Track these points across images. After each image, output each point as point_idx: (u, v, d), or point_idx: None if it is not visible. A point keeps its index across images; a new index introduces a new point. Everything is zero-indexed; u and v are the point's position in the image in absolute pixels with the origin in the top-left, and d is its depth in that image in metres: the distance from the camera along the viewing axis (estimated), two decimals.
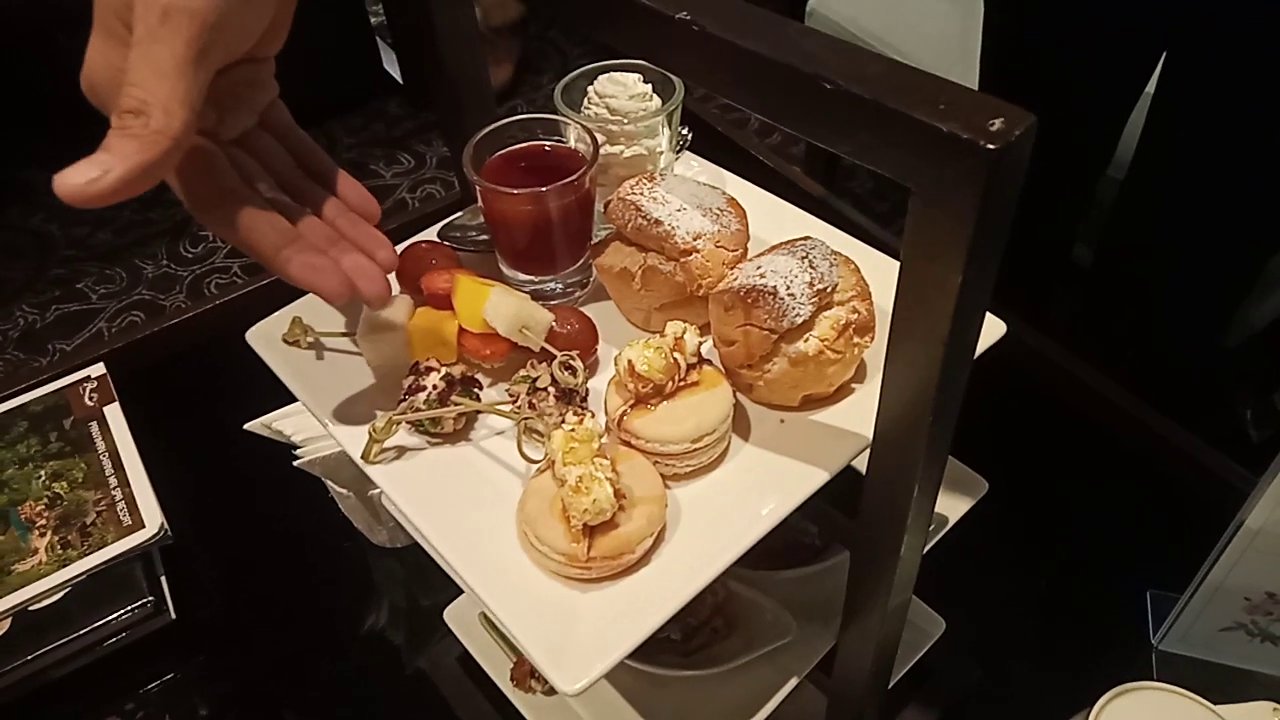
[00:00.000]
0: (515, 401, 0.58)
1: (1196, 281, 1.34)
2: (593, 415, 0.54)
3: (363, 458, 0.57)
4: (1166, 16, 1.18)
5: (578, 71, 0.67)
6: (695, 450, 0.55)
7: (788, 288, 0.56)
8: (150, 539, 1.08)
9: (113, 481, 1.14)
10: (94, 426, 1.21)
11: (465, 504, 0.56)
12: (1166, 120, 1.29)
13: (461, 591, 0.99)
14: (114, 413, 1.22)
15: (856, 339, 0.58)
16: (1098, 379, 1.19)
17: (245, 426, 1.03)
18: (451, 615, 0.97)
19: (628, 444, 0.56)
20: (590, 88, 0.66)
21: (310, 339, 0.65)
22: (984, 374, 0.57)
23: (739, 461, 0.58)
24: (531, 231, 0.63)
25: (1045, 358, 1.22)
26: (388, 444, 0.58)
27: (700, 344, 0.57)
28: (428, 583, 1.05)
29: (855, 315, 0.58)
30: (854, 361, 0.59)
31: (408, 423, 0.59)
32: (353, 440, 0.58)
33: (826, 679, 0.72)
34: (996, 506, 1.10)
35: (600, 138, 0.65)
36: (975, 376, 0.70)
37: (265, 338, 0.65)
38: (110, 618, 1.06)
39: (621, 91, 0.64)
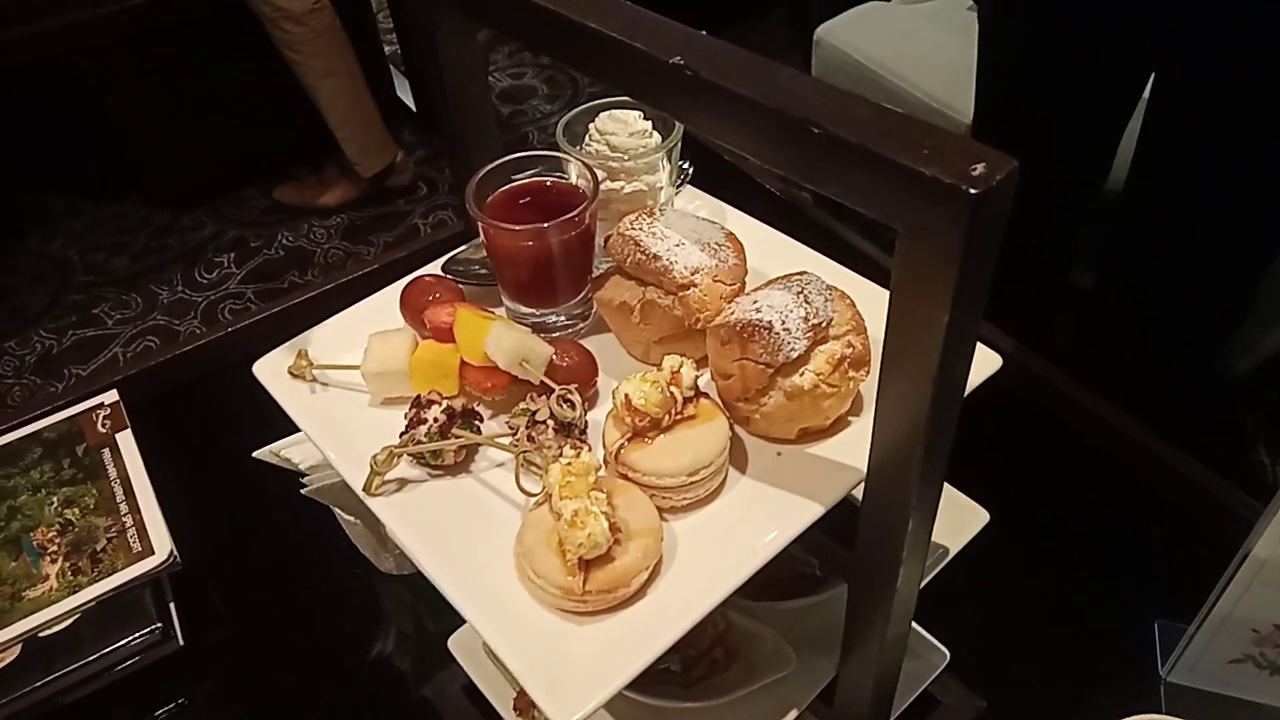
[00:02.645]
0: (514, 434, 0.59)
1: (1192, 301, 1.34)
2: (590, 449, 0.55)
3: (364, 490, 0.58)
4: (1155, 37, 1.19)
5: (579, 109, 0.69)
6: (692, 483, 0.56)
7: (783, 323, 0.57)
8: (159, 566, 1.09)
9: (124, 508, 1.16)
10: (106, 453, 1.23)
11: (465, 536, 0.57)
12: (1157, 139, 1.30)
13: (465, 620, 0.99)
14: (126, 440, 1.23)
15: (852, 373, 0.59)
16: (1102, 405, 1.18)
17: (254, 455, 1.04)
18: (455, 643, 0.97)
19: (625, 477, 0.57)
20: (591, 125, 0.67)
21: (315, 372, 0.66)
22: (986, 401, 0.58)
23: (736, 494, 0.59)
24: (533, 266, 0.64)
25: (1048, 384, 1.22)
26: (389, 476, 0.59)
27: (697, 377, 0.58)
28: (433, 610, 1.06)
29: (850, 350, 0.58)
30: (849, 395, 0.59)
31: (409, 455, 0.60)
32: (355, 472, 0.59)
33: (827, 709, 0.72)
34: (1000, 536, 1.09)
35: (601, 174, 0.66)
36: (977, 404, 0.71)
37: (271, 371, 0.66)
38: (119, 644, 1.06)
39: (621, 129, 0.66)
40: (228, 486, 1.28)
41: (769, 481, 0.59)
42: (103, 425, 1.26)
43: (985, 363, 0.63)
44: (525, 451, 0.57)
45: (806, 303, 0.58)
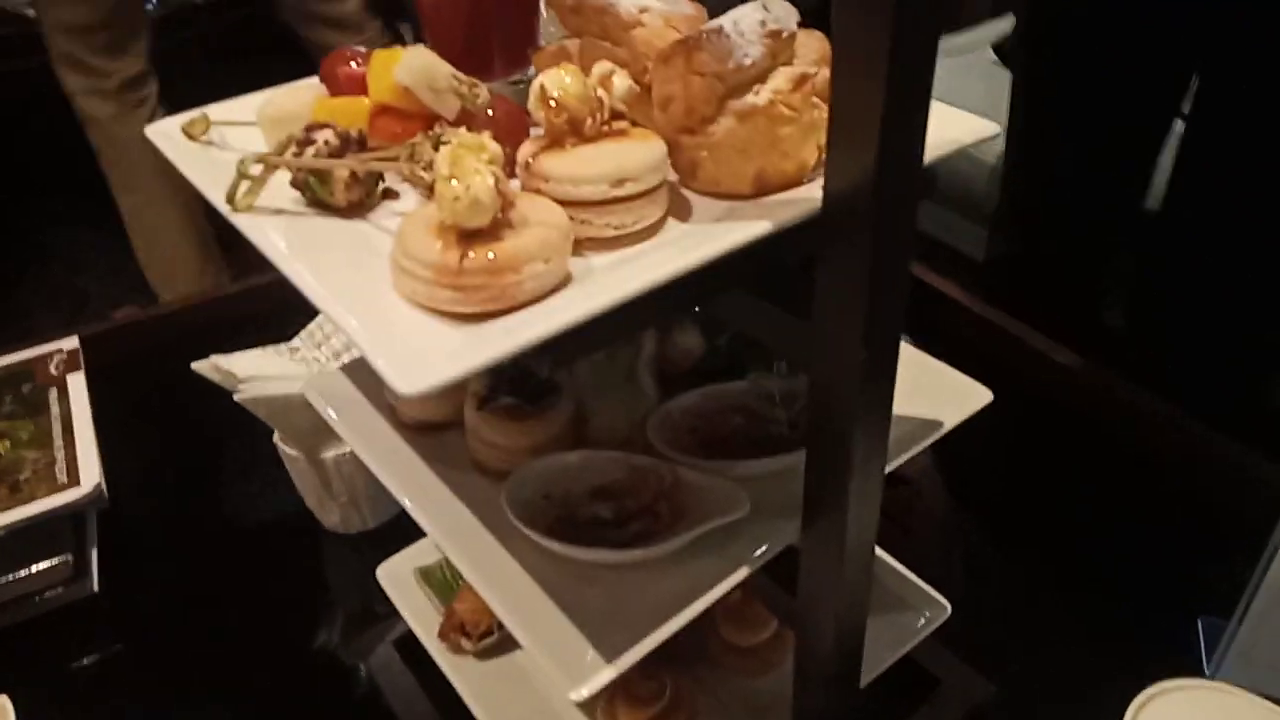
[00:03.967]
0: (417, 161, 0.50)
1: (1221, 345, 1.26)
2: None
3: (228, 199, 0.49)
4: (1196, 43, 1.15)
5: None
6: (616, 200, 0.46)
7: (735, 24, 0.48)
8: (81, 499, 0.99)
9: (58, 444, 1.07)
10: (53, 392, 1.15)
11: (343, 260, 0.47)
12: (1198, 152, 1.24)
13: (395, 550, 0.87)
14: (76, 381, 1.16)
15: (817, 101, 0.49)
16: (1133, 392, 1.08)
17: (193, 366, 0.96)
18: (385, 574, 0.85)
19: (537, 192, 0.47)
20: None
21: (213, 134, 0.58)
22: (1016, 395, 0.51)
23: (672, 235, 0.49)
24: (466, 18, 0.56)
25: (1081, 378, 1.12)
26: (265, 204, 0.50)
27: (631, 89, 0.49)
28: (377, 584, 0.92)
29: (816, 73, 0.49)
30: (813, 129, 0.49)
31: (293, 183, 0.51)
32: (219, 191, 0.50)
33: (791, 600, 0.58)
34: (1034, 534, 0.97)
35: None
36: (1007, 398, 0.63)
37: (164, 132, 0.58)
38: (24, 572, 0.96)
39: None
40: (179, 440, 1.21)
41: (715, 222, 0.49)
42: (56, 368, 1.19)
43: (974, 398, 0.54)
44: (415, 165, 0.47)
45: (765, 10, 0.49)
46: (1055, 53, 1.30)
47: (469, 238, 0.41)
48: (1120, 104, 1.23)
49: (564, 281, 0.44)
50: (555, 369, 0.62)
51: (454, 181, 0.40)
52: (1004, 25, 1.87)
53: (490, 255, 0.41)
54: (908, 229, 0.44)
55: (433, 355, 0.38)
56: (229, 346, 0.99)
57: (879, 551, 0.80)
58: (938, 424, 0.64)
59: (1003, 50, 1.84)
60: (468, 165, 0.41)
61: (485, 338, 0.40)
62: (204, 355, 0.98)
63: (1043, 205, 1.43)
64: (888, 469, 0.53)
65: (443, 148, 0.43)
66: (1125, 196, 1.38)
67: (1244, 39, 1.09)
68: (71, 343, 1.22)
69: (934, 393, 0.68)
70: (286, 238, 0.49)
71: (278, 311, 1.05)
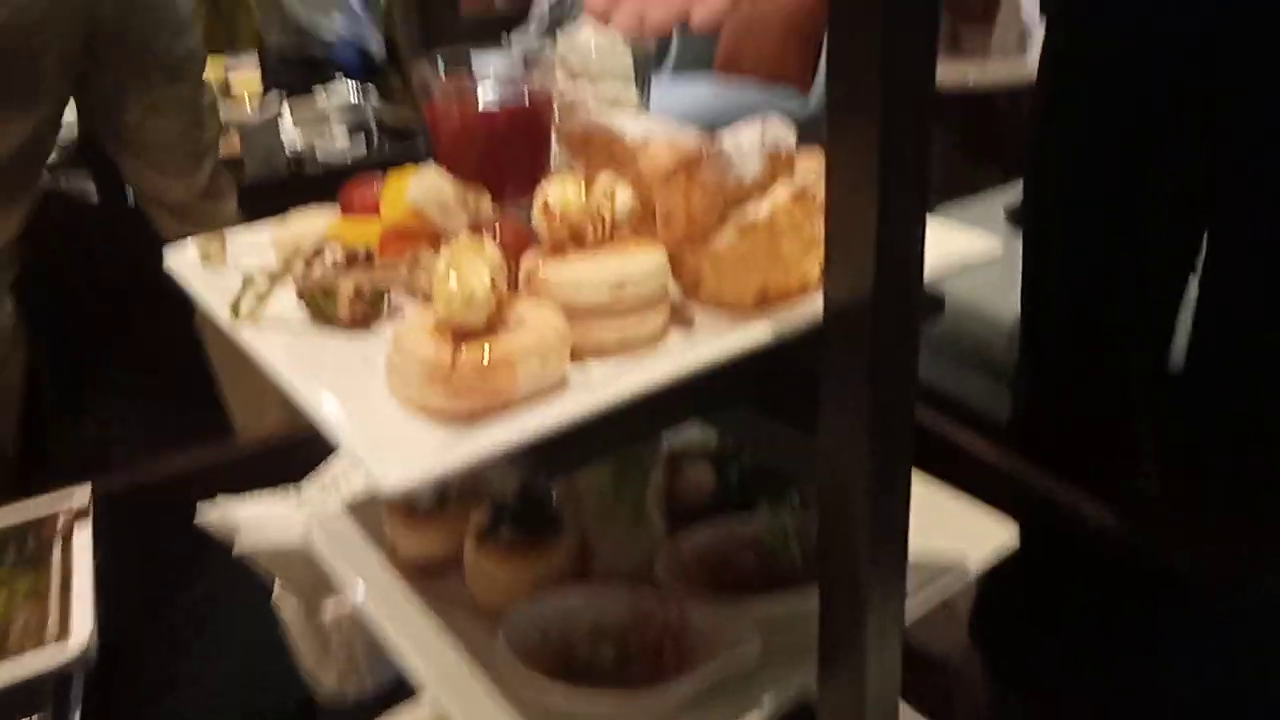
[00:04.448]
0: (419, 270, 0.50)
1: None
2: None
3: (232, 310, 0.49)
4: (1205, 204, 1.16)
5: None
6: (616, 307, 0.46)
7: (735, 143, 0.49)
8: (65, 661, 0.95)
9: (54, 599, 1.04)
10: (57, 545, 1.13)
11: (339, 370, 0.47)
12: (1214, 310, 1.24)
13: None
14: (83, 534, 1.14)
15: (819, 215, 0.49)
16: (1167, 554, 1.03)
17: (198, 516, 0.94)
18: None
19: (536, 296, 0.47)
20: (559, 31, 0.65)
21: (229, 257, 0.59)
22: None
23: (674, 346, 0.48)
24: (480, 145, 0.58)
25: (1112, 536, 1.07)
26: (272, 320, 0.50)
27: (635, 209, 0.49)
28: None
29: (816, 189, 0.50)
30: (815, 244, 0.49)
31: (299, 295, 0.51)
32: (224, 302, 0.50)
33: None
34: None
35: (563, 75, 0.63)
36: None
37: (182, 259, 0.59)
38: None
39: (589, 32, 0.63)
40: (178, 597, 1.17)
41: (718, 336, 0.48)
42: (64, 520, 1.18)
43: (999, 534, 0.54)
44: (414, 276, 0.47)
45: (764, 129, 0.50)
46: (1062, 215, 1.32)
47: (464, 336, 0.41)
48: (1131, 264, 1.24)
49: (560, 385, 0.43)
50: (557, 495, 0.60)
51: (452, 277, 0.40)
52: (1015, 191, 1.92)
53: (484, 352, 0.40)
54: (910, 342, 0.43)
55: (417, 450, 0.37)
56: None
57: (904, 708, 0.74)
58: (963, 566, 0.60)
59: (1014, 215, 1.89)
60: (466, 262, 0.41)
61: (473, 436, 0.39)
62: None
63: (1062, 366, 1.41)
64: (913, 615, 0.49)
65: (442, 250, 0.43)
66: (1145, 356, 1.37)
67: (1252, 197, 1.10)
68: (84, 496, 1.21)
69: (957, 532, 0.64)
70: (286, 349, 0.48)
71: (295, 460, 1.04)
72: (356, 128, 2.27)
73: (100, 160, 2.20)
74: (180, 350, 2.03)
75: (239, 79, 2.41)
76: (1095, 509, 1.10)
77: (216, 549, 0.93)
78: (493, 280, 0.40)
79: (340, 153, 2.18)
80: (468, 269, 0.40)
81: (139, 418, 2.57)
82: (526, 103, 0.58)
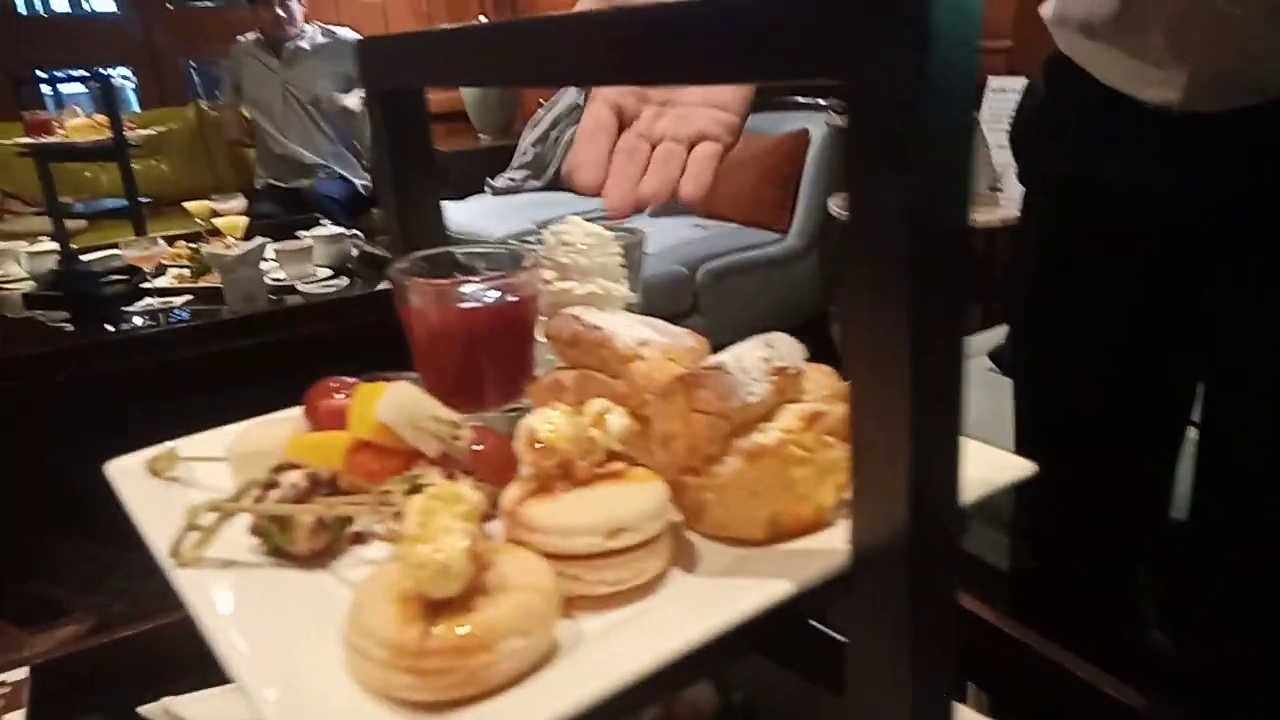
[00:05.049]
0: (388, 509, 0.45)
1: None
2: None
3: (171, 554, 0.43)
4: (1198, 350, 1.15)
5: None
6: (610, 554, 0.40)
7: (738, 361, 0.45)
8: None
9: None
10: None
11: (291, 626, 0.41)
12: (1215, 462, 1.20)
13: None
14: None
15: (831, 440, 0.45)
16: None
17: (140, 710, 0.85)
18: None
19: (520, 542, 0.41)
20: (546, 229, 0.62)
21: (181, 470, 0.54)
22: None
23: (676, 592, 0.42)
24: (461, 351, 0.54)
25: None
26: (217, 553, 0.44)
27: (629, 427, 0.45)
28: None
29: (828, 410, 0.45)
30: (830, 471, 0.45)
31: (252, 529, 0.45)
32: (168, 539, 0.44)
33: None
34: None
35: (551, 273, 0.59)
36: None
37: (124, 469, 0.54)
38: None
39: (576, 229, 0.60)
40: None
41: (726, 580, 0.42)
42: None
43: (1016, 468, 0.49)
44: (385, 511, 0.42)
45: (769, 347, 0.46)
46: (1054, 365, 1.30)
47: (435, 609, 0.35)
48: (1126, 412, 1.21)
49: (547, 656, 0.37)
50: None
51: (420, 546, 0.34)
52: (996, 335, 1.91)
53: (459, 631, 0.34)
54: (950, 582, 0.38)
55: None
56: (192, 679, 0.89)
57: None
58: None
59: (997, 357, 1.87)
60: (439, 524, 0.35)
61: None
62: (162, 686, 0.87)
63: (1062, 516, 1.37)
64: None
65: (412, 499, 0.38)
66: (1146, 506, 1.33)
67: (1247, 342, 1.08)
68: (20, 674, 1.12)
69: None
70: (231, 596, 0.42)
71: None
72: (339, 263, 2.26)
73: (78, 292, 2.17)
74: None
75: (225, 219, 2.42)
76: (1109, 683, 1.03)
77: None
78: (470, 544, 0.35)
79: (321, 287, 2.16)
80: (441, 532, 0.35)
81: (94, 560, 2.45)
82: (510, 300, 0.54)
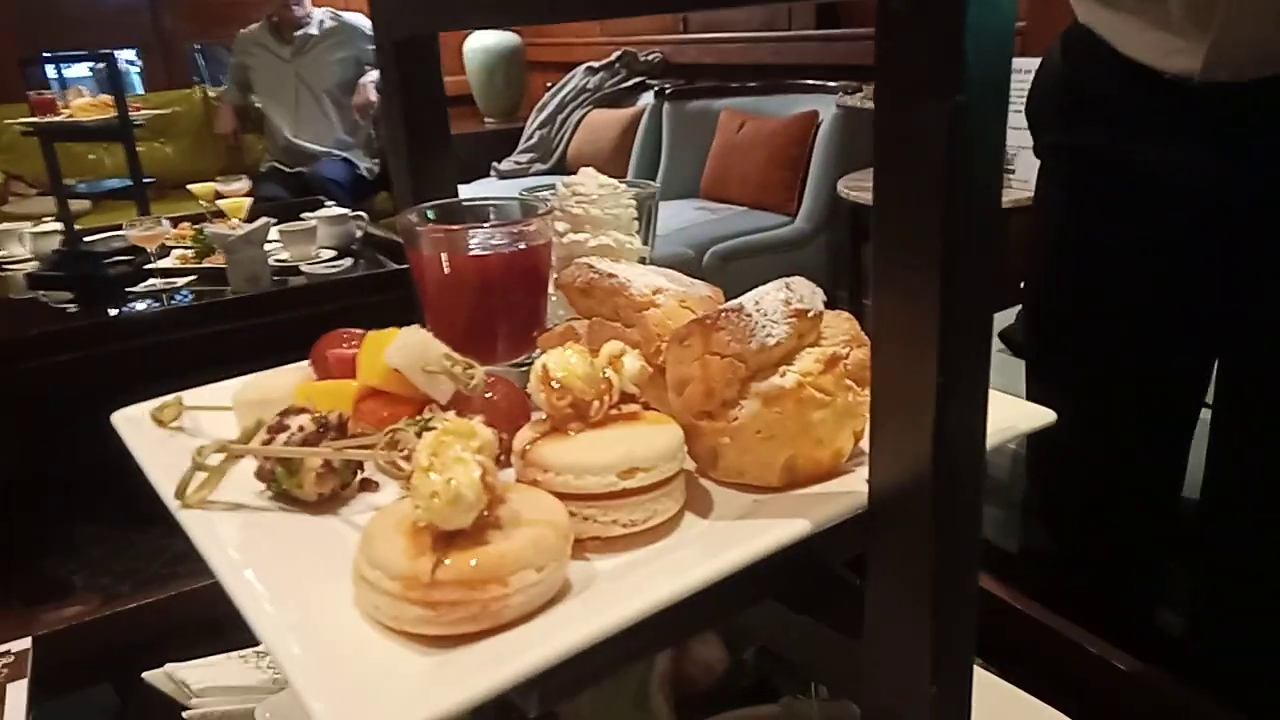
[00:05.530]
0: (397, 449, 0.44)
1: None
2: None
3: (177, 495, 0.42)
4: (1213, 328, 1.13)
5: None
6: (624, 493, 0.39)
7: (756, 303, 0.44)
8: None
9: None
10: None
11: (301, 568, 0.40)
12: (1229, 441, 1.19)
13: None
14: (17, 692, 1.03)
15: (852, 385, 0.44)
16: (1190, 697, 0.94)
17: (145, 675, 0.85)
18: None
19: (534, 483, 0.41)
20: (558, 180, 0.61)
21: (185, 420, 0.53)
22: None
23: (690, 534, 0.41)
24: (471, 300, 0.53)
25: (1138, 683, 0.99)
26: (223, 497, 0.44)
27: (644, 370, 0.44)
28: None
29: (848, 354, 0.44)
30: (849, 416, 0.44)
31: (258, 473, 0.44)
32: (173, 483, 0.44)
33: None
34: None
35: (564, 225, 0.58)
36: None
37: (131, 418, 0.53)
38: None
39: (590, 179, 0.59)
40: None
41: (741, 522, 0.41)
42: None
43: (1036, 416, 0.47)
44: (391, 457, 0.41)
45: (788, 289, 0.45)
46: (1069, 343, 1.29)
47: (447, 541, 0.34)
48: (1143, 391, 1.20)
49: (560, 593, 0.36)
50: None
51: (433, 474, 0.33)
52: (1008, 315, 1.90)
53: (471, 563, 0.33)
54: (973, 527, 0.37)
55: (387, 699, 0.30)
56: (193, 650, 0.88)
57: None
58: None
59: (1009, 338, 1.85)
60: (450, 455, 0.34)
61: (459, 671, 0.32)
62: (165, 659, 0.87)
63: (1074, 497, 1.36)
64: None
65: (425, 434, 0.37)
66: (1160, 488, 1.32)
67: (1265, 322, 1.07)
68: (23, 644, 1.11)
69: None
70: (239, 540, 0.42)
71: None
72: (343, 245, 2.25)
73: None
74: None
75: (229, 200, 2.41)
76: (1122, 659, 1.02)
77: (166, 705, 0.84)
78: (483, 474, 0.34)
79: (325, 268, 2.16)
80: (453, 462, 0.34)
81: (103, 542, 2.45)
82: (522, 248, 0.53)
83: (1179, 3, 0.84)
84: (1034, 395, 1.38)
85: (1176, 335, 1.15)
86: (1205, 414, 1.21)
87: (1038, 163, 1.17)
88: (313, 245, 2.19)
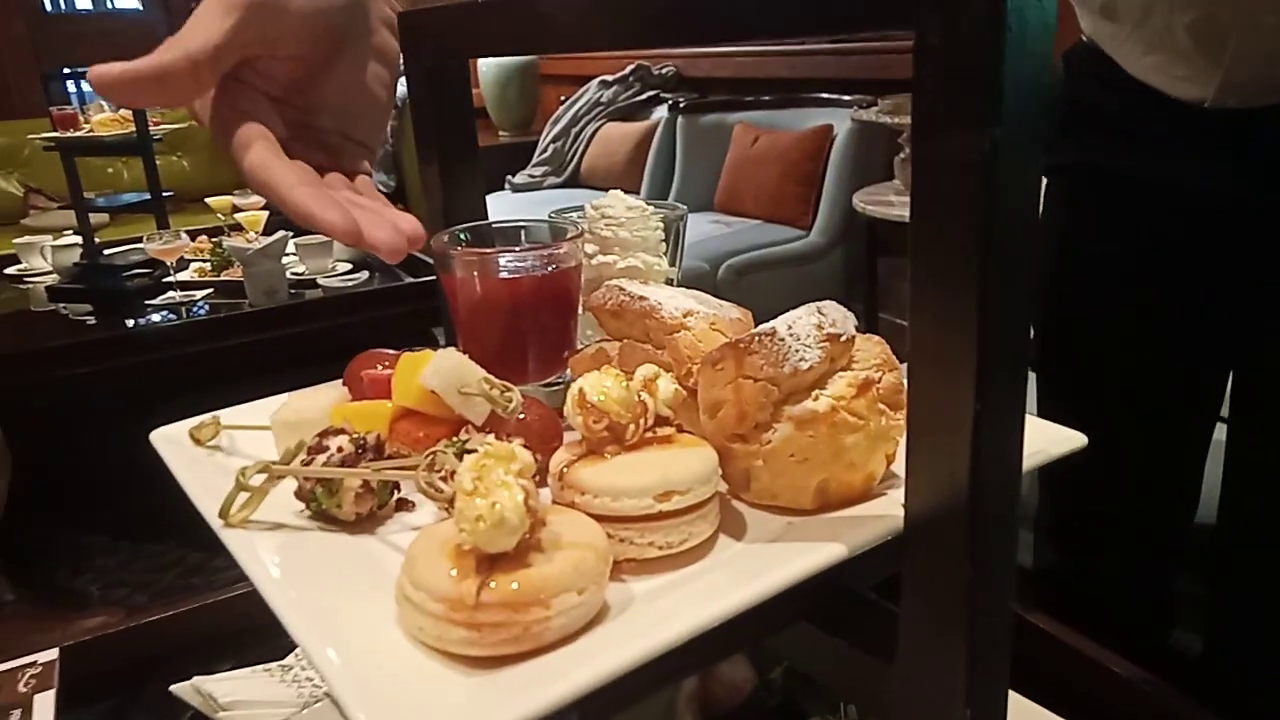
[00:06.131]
0: (437, 471, 0.45)
1: None
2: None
3: (220, 514, 0.43)
4: (1226, 344, 1.13)
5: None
6: (661, 515, 0.40)
7: (789, 327, 0.45)
8: None
9: None
10: (15, 716, 1.03)
11: (342, 587, 0.41)
12: (1244, 459, 1.18)
13: None
14: (44, 702, 1.04)
15: (886, 409, 0.45)
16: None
17: (172, 689, 0.85)
18: None
19: (570, 505, 0.41)
20: (588, 203, 0.61)
21: (224, 439, 0.54)
22: None
23: (725, 557, 0.42)
24: (503, 322, 0.54)
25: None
26: (263, 517, 0.44)
27: (678, 393, 0.44)
28: None
29: (880, 378, 0.45)
30: (881, 439, 0.44)
31: (298, 494, 0.45)
32: (214, 503, 0.44)
33: None
34: None
35: (593, 247, 0.59)
36: None
37: (169, 438, 0.54)
38: None
39: (618, 202, 0.60)
40: None
41: (776, 545, 0.42)
42: (25, 685, 1.08)
43: (1067, 440, 0.48)
44: (430, 479, 0.42)
45: (820, 314, 0.46)
46: (1080, 361, 1.29)
47: (490, 563, 0.35)
48: (1152, 405, 1.19)
49: (599, 616, 0.37)
50: None
51: (477, 499, 0.34)
52: None
53: (514, 585, 0.34)
54: (1009, 552, 0.38)
55: (433, 716, 0.30)
56: (218, 663, 0.89)
57: None
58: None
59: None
60: (494, 479, 0.35)
61: (502, 692, 0.32)
62: (189, 672, 0.88)
63: (1087, 513, 1.35)
64: None
65: (467, 457, 0.38)
66: (1175, 504, 1.31)
67: (1270, 327, 1.06)
68: (50, 655, 1.12)
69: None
70: (281, 558, 0.42)
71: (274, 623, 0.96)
72: (360, 258, 2.27)
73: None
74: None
75: (246, 214, 2.43)
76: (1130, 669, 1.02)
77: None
78: (526, 498, 0.35)
79: (342, 281, 2.17)
80: (497, 485, 0.35)
81: (118, 553, 2.46)
82: (554, 270, 0.54)
83: (1188, 37, 0.84)
84: (1044, 413, 1.37)
85: (1187, 352, 1.15)
86: (1221, 430, 1.20)
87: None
88: (329, 258, 2.21)
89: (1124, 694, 1.02)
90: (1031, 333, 1.39)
